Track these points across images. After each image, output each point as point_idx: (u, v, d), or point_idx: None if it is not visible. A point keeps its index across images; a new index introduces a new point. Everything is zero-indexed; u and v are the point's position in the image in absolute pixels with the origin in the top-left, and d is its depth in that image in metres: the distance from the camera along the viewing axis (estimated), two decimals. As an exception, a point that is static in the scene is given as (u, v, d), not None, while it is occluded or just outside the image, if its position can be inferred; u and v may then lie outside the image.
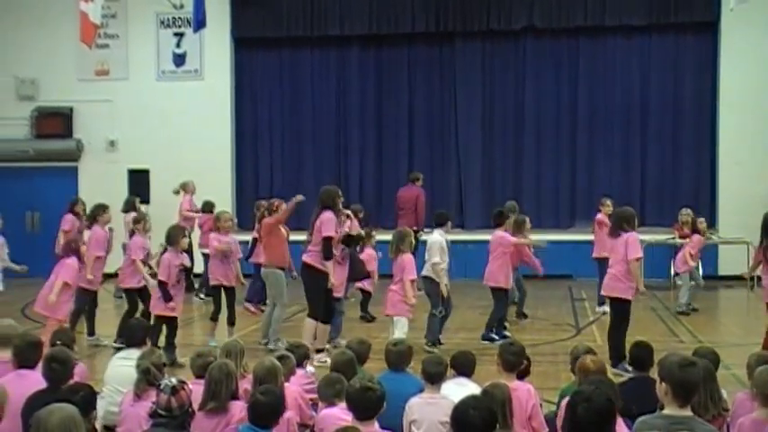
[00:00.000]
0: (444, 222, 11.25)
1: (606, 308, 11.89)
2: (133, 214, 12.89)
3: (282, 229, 11.17)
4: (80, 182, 18.31)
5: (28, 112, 18.41)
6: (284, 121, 18.84)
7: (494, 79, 18.33)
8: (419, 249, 11.73)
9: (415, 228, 13.56)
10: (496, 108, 18.36)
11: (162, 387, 5.31)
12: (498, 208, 12.36)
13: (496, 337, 10.93)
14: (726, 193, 16.94)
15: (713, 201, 17.14)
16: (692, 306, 13.47)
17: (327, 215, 10.04)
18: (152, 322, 9.80)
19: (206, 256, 13.08)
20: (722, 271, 16.39)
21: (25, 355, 6.04)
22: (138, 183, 17.49)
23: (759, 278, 14.92)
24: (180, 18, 18.05)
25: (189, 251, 11.52)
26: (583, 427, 3.71)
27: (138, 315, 10.54)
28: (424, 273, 10.82)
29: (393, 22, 18.02)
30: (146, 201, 16.52)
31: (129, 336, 7.43)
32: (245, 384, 5.93)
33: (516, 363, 6.13)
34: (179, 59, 18.31)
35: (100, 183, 17.61)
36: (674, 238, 15.09)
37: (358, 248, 11.85)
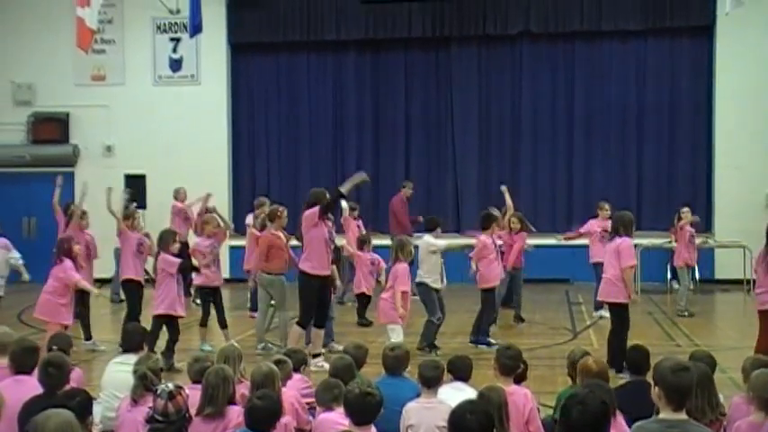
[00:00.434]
0: (434, 227, 11.24)
1: (603, 312, 11.94)
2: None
3: (282, 236, 11.17)
4: (76, 187, 18.23)
5: (24, 118, 18.42)
6: (281, 125, 18.85)
7: (490, 84, 18.36)
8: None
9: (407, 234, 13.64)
10: (493, 113, 18.38)
11: (159, 392, 5.31)
12: (485, 210, 12.35)
13: (493, 341, 10.93)
14: (722, 196, 16.97)
15: (709, 204, 17.16)
16: (687, 311, 13.48)
17: (310, 210, 10.03)
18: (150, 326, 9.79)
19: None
20: (718, 275, 16.42)
21: (22, 361, 6.03)
22: (135, 188, 17.43)
23: (755, 281, 14.99)
24: (176, 23, 18.06)
25: (181, 255, 11.60)
26: (577, 431, 3.71)
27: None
28: (417, 279, 10.84)
29: (389, 27, 18.04)
30: (142, 206, 16.48)
31: (126, 340, 7.42)
32: (243, 389, 5.92)
33: (513, 367, 6.13)
34: (175, 64, 18.32)
35: (96, 188, 17.50)
36: (670, 241, 15.09)
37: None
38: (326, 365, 8.60)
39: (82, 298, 10.92)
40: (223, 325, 11.21)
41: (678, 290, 14.08)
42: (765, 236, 8.88)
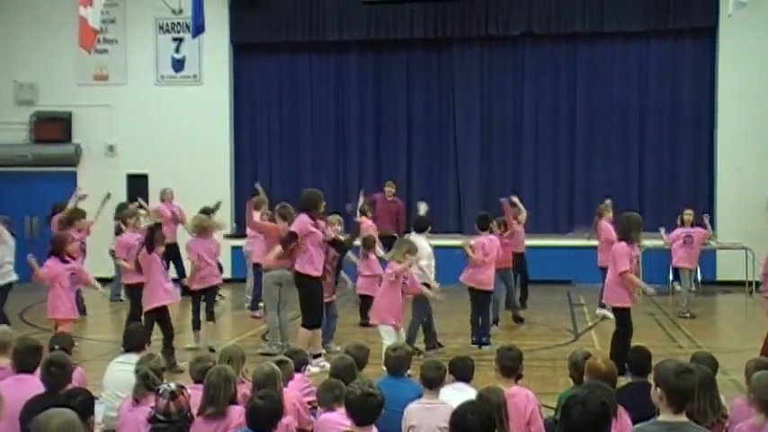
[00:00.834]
0: (425, 228, 11.24)
1: (605, 311, 11.97)
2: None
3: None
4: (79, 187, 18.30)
5: (27, 117, 18.44)
6: (283, 126, 18.86)
7: (492, 85, 18.35)
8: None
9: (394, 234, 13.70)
10: (495, 113, 18.38)
11: (161, 392, 5.31)
12: (481, 212, 12.33)
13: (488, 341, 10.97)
14: (724, 198, 16.96)
15: (711, 206, 17.13)
16: (688, 313, 13.49)
17: (301, 217, 10.06)
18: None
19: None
20: (720, 276, 16.40)
21: (24, 360, 6.04)
22: (137, 187, 17.48)
23: (758, 283, 15.00)
24: (179, 23, 18.08)
25: (168, 257, 11.78)
26: (577, 431, 3.71)
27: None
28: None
29: (391, 28, 18.04)
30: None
31: (128, 340, 7.43)
32: (244, 389, 5.93)
33: (514, 368, 6.13)
34: (178, 64, 18.34)
35: (99, 188, 17.56)
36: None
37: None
38: (328, 365, 8.61)
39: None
40: (209, 318, 11.33)
41: (680, 291, 14.08)
42: None
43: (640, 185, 17.90)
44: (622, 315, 9.72)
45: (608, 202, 13.76)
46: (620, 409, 5.31)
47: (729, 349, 10.79)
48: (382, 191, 16.54)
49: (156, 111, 18.03)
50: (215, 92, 18.25)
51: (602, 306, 12.52)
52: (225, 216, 17.71)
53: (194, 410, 5.45)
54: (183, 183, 17.26)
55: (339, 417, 5.58)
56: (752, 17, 15.69)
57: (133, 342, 7.29)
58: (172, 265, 13.01)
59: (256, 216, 11.86)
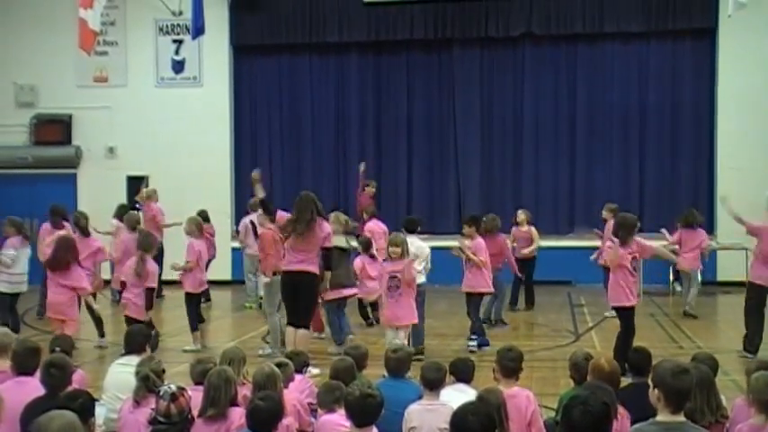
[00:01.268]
0: (416, 228, 11.26)
1: (607, 312, 12.01)
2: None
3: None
4: (79, 189, 18.33)
5: (27, 119, 18.44)
6: (283, 128, 18.86)
7: (492, 86, 18.35)
8: None
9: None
10: (495, 114, 18.38)
11: (161, 394, 5.31)
12: (471, 214, 12.32)
13: (475, 341, 11.00)
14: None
15: (711, 207, 17.12)
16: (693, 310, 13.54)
17: (326, 224, 10.12)
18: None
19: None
20: (721, 277, 16.39)
21: (24, 362, 6.04)
22: (137, 189, 17.47)
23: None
24: (179, 25, 18.07)
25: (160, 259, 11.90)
26: (578, 431, 3.72)
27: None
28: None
29: (391, 29, 18.04)
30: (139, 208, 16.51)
31: (129, 342, 7.42)
32: (245, 391, 5.93)
33: (515, 369, 6.13)
34: (178, 66, 18.33)
35: (99, 189, 17.64)
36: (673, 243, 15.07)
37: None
38: (313, 370, 8.68)
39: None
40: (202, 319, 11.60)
41: (683, 291, 14.12)
42: None
43: (640, 186, 17.89)
44: (623, 314, 9.72)
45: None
46: (620, 410, 5.31)
47: (730, 350, 10.78)
48: (366, 189, 16.28)
49: (156, 112, 18.04)
50: (215, 93, 18.25)
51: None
52: (225, 218, 17.79)
53: (195, 412, 5.46)
54: (184, 184, 17.31)
55: (339, 418, 5.58)
56: (752, 18, 15.68)
57: (134, 344, 7.28)
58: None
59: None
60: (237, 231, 15.73)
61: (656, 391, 4.15)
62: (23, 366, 6.02)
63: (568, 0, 17.54)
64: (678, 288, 16.12)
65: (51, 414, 4.03)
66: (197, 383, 6.00)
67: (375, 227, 13.50)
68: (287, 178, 18.50)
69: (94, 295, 11.50)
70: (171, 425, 5.23)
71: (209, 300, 14.62)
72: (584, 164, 18.08)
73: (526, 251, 14.06)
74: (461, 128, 18.36)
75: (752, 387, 5.15)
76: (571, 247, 16.62)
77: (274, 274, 10.90)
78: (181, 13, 17.74)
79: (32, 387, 5.76)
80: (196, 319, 11.50)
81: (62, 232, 11.35)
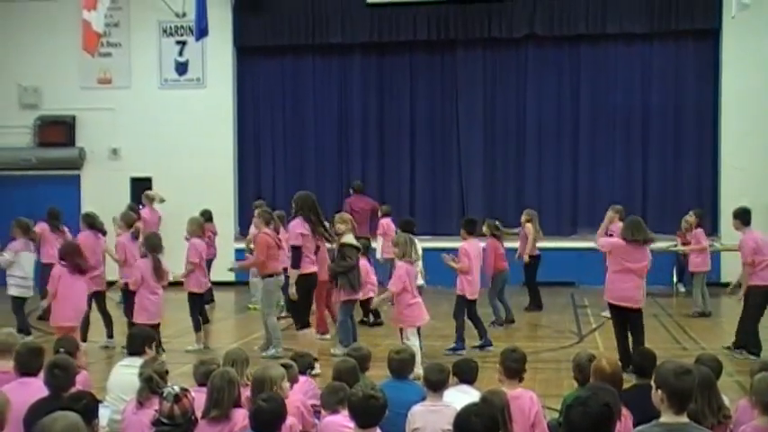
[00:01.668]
0: (413, 229, 11.39)
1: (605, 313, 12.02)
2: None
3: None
4: (83, 190, 18.35)
5: (31, 121, 18.48)
6: (286, 129, 18.87)
7: (495, 87, 18.36)
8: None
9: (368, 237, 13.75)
10: (498, 115, 18.38)
11: (165, 395, 5.31)
12: (468, 216, 12.31)
13: (460, 345, 11.01)
14: (728, 199, 16.88)
15: (715, 207, 17.13)
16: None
17: (295, 223, 10.13)
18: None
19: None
20: (725, 278, 16.33)
21: (27, 363, 6.04)
22: (141, 191, 17.50)
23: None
24: (182, 26, 18.09)
25: None
26: (578, 432, 3.72)
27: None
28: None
29: (394, 30, 18.04)
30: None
31: (132, 343, 7.42)
32: (248, 392, 5.93)
33: (518, 369, 6.13)
34: (181, 68, 18.35)
35: (102, 191, 17.66)
36: (676, 245, 15.08)
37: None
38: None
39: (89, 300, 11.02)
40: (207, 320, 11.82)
41: (692, 291, 14.16)
42: None
43: (644, 186, 17.88)
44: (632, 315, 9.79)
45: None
46: (624, 411, 5.31)
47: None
48: (353, 190, 16.31)
49: (159, 114, 18.05)
50: (218, 95, 18.27)
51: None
52: (228, 219, 17.80)
53: (198, 413, 5.46)
54: (187, 186, 17.33)
55: (343, 419, 5.58)
56: (755, 19, 15.67)
57: (136, 345, 7.28)
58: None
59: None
60: (242, 234, 15.78)
61: (659, 392, 4.15)
62: (27, 367, 6.03)
63: (571, 1, 17.54)
64: (681, 289, 16.13)
65: (55, 415, 4.03)
66: (200, 385, 6.00)
67: (389, 226, 13.79)
68: (290, 179, 18.50)
69: (105, 296, 11.60)
70: (174, 426, 5.23)
71: (212, 301, 14.65)
72: (587, 165, 18.06)
73: (524, 252, 14.08)
74: (464, 129, 18.36)
75: (755, 388, 5.14)
76: (574, 248, 16.61)
77: (270, 276, 10.97)
78: (184, 15, 17.76)
79: (36, 388, 5.76)
80: (199, 320, 11.53)
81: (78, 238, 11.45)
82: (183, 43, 18.20)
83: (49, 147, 18.30)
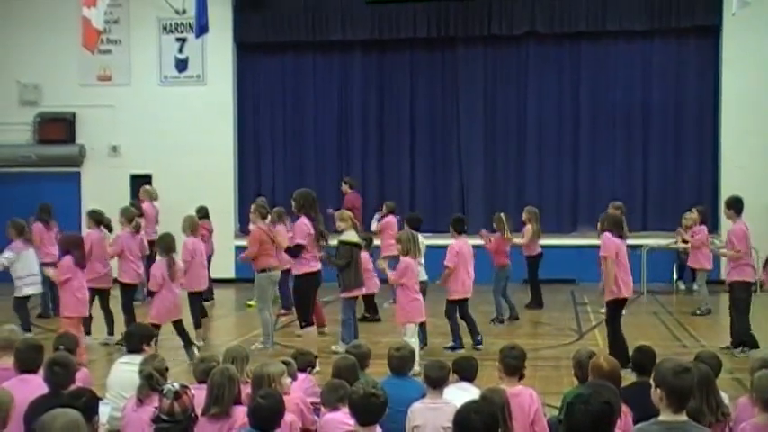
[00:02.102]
0: (419, 226, 11.54)
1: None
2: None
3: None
4: (83, 187, 18.35)
5: (31, 118, 18.46)
6: (286, 126, 18.86)
7: (496, 84, 18.35)
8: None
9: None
10: (498, 113, 18.38)
11: (165, 392, 5.31)
12: (457, 214, 12.33)
13: (458, 344, 11.03)
14: (728, 196, 16.89)
15: (715, 205, 17.08)
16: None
17: (301, 222, 10.15)
18: None
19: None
20: (725, 275, 16.33)
21: (27, 359, 6.04)
22: (140, 188, 17.50)
23: (763, 282, 14.94)
24: (182, 23, 18.08)
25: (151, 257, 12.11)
26: (579, 430, 3.71)
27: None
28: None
29: (395, 27, 18.03)
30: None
31: (131, 341, 7.42)
32: (248, 389, 5.93)
33: (518, 367, 6.13)
34: (181, 65, 18.33)
35: (102, 188, 17.66)
36: (676, 242, 15.09)
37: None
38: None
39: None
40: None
41: (697, 290, 14.17)
42: None
43: (644, 184, 17.88)
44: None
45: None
46: (624, 409, 5.31)
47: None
48: (349, 186, 16.27)
49: (159, 111, 18.04)
50: (219, 92, 18.25)
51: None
52: (228, 216, 17.80)
53: (198, 410, 5.46)
54: (187, 183, 17.33)
55: (343, 416, 5.59)
56: (755, 16, 15.66)
57: (136, 342, 7.27)
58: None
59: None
60: (242, 231, 15.79)
61: (657, 390, 4.15)
62: (27, 364, 6.03)
63: (572, -2, 17.56)
64: (681, 286, 16.12)
65: (55, 412, 4.04)
66: (200, 382, 6.00)
67: (393, 223, 13.85)
68: (290, 176, 18.49)
69: (108, 293, 11.64)
70: (174, 423, 5.23)
71: (212, 298, 14.67)
72: (588, 162, 18.06)
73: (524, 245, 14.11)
74: (465, 126, 18.35)
75: (755, 386, 5.14)
76: (575, 245, 16.62)
77: (264, 270, 11.02)
78: (184, 12, 17.75)
79: (36, 385, 5.76)
80: (199, 317, 11.55)
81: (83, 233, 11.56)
82: (183, 40, 18.18)
83: (49, 144, 18.29)
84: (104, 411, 6.15)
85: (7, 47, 18.43)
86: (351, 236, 11.21)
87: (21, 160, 18.22)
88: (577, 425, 3.72)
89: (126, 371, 6.75)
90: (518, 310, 13.41)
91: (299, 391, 6.40)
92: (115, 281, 11.85)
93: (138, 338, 7.27)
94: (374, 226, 14.84)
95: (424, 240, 11.78)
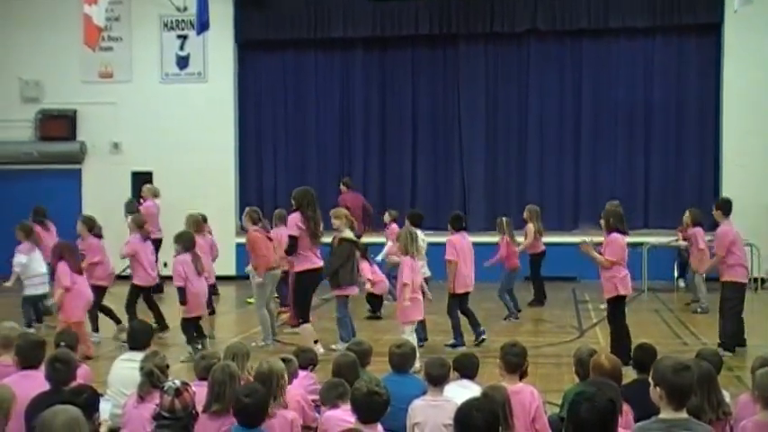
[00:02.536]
0: (420, 222, 11.57)
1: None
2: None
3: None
4: (84, 184, 18.35)
5: (32, 115, 18.47)
6: (288, 123, 18.86)
7: (497, 82, 18.33)
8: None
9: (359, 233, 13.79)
10: (500, 110, 18.36)
11: (165, 389, 5.32)
12: (455, 212, 12.32)
13: (459, 341, 10.99)
14: (729, 195, 16.82)
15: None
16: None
17: (293, 216, 10.20)
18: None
19: None
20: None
21: (28, 355, 6.05)
22: (142, 185, 17.49)
23: (764, 280, 14.99)
24: (183, 20, 18.07)
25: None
26: (585, 428, 3.71)
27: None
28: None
29: (396, 25, 18.01)
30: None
31: (133, 338, 7.43)
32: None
33: (518, 364, 6.12)
34: (182, 62, 18.32)
35: (104, 185, 17.67)
36: (677, 240, 15.09)
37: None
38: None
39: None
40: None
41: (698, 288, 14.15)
42: None
43: (645, 183, 17.86)
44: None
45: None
46: (625, 406, 5.31)
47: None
48: (345, 186, 16.30)
49: (160, 108, 18.03)
50: (220, 89, 18.25)
51: None
52: (229, 213, 17.80)
53: (199, 407, 5.46)
54: (188, 180, 17.33)
55: (343, 414, 5.59)
56: (757, 14, 15.63)
57: (137, 340, 7.28)
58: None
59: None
60: (243, 229, 15.74)
61: (657, 389, 4.15)
62: (28, 360, 6.04)
63: (573, -4, 17.54)
64: (682, 284, 16.11)
65: (55, 409, 4.04)
66: (201, 379, 6.01)
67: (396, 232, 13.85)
68: (291, 174, 18.48)
69: (105, 291, 11.76)
70: (175, 420, 5.24)
71: (217, 293, 14.65)
72: (589, 160, 18.05)
73: (525, 247, 14.11)
74: (466, 124, 18.34)
75: (757, 383, 5.14)
76: (576, 243, 16.52)
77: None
78: (185, 9, 17.74)
79: (37, 381, 5.77)
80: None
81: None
82: (185, 37, 18.17)
83: (51, 141, 18.29)
84: (105, 408, 6.16)
85: (9, 44, 18.43)
86: (348, 233, 11.18)
87: (22, 157, 18.22)
88: (583, 422, 3.72)
89: (127, 368, 6.77)
90: (521, 306, 13.42)
91: (301, 388, 6.40)
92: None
93: (139, 336, 7.28)
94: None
95: (426, 237, 11.78)
